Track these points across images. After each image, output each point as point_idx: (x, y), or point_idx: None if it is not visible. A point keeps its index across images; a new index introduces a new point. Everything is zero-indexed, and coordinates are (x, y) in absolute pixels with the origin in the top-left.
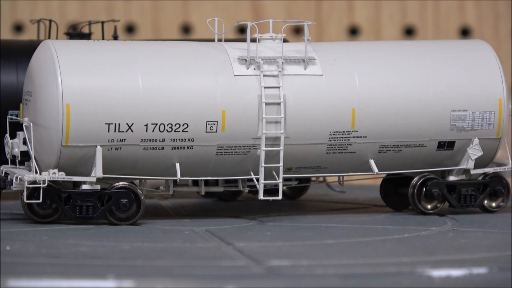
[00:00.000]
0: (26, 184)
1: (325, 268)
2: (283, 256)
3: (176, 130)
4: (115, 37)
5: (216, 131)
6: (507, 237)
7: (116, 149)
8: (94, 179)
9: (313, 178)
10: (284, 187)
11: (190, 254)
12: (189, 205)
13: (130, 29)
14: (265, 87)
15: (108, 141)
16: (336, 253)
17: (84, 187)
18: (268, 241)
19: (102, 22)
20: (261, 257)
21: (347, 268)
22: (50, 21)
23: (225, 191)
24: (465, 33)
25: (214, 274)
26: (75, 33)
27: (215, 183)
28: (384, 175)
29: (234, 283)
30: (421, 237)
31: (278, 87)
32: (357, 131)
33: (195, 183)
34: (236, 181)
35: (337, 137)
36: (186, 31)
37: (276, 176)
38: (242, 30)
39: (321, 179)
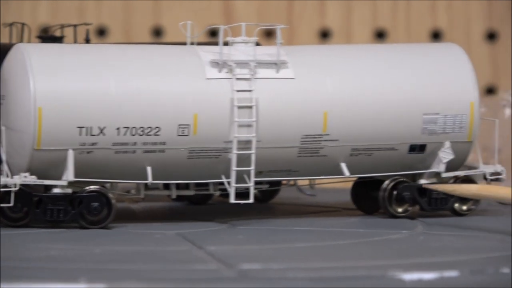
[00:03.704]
0: None
1: (296, 271)
2: (254, 260)
3: (148, 134)
4: (87, 40)
5: (188, 135)
6: (478, 240)
7: (88, 152)
8: (65, 183)
9: (284, 182)
10: (255, 191)
11: (161, 258)
12: (160, 208)
13: (102, 32)
14: (237, 91)
15: (80, 145)
16: (307, 256)
17: (56, 190)
18: (239, 245)
19: (74, 25)
20: (233, 261)
21: (318, 271)
22: (23, 24)
23: (196, 195)
24: (436, 36)
25: (186, 278)
26: (47, 36)
27: (186, 186)
28: (355, 179)
29: (205, 286)
30: (392, 241)
31: (250, 91)
32: (328, 135)
33: (166, 186)
34: (207, 184)
35: (309, 141)
36: (157, 34)
37: (248, 180)
38: (214, 33)
39: (292, 182)
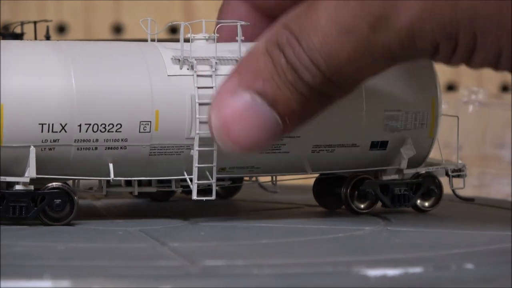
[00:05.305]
0: None
1: (261, 268)
2: (218, 256)
3: (110, 130)
4: (48, 37)
5: (150, 131)
6: (441, 236)
7: (50, 149)
8: (27, 180)
9: (246, 178)
10: (217, 187)
11: (125, 255)
12: (122, 205)
13: (62, 29)
14: (198, 87)
15: (42, 142)
16: (271, 253)
17: (18, 187)
18: (202, 241)
19: (35, 22)
20: (196, 257)
21: (282, 268)
22: None
23: (158, 191)
24: None
25: (150, 274)
26: (8, 33)
27: (148, 183)
28: (317, 175)
29: (170, 283)
30: (355, 237)
31: (212, 87)
32: None
33: (128, 183)
34: (169, 181)
35: None
36: (117, 31)
37: (210, 176)
38: (174, 30)
39: (253, 178)
